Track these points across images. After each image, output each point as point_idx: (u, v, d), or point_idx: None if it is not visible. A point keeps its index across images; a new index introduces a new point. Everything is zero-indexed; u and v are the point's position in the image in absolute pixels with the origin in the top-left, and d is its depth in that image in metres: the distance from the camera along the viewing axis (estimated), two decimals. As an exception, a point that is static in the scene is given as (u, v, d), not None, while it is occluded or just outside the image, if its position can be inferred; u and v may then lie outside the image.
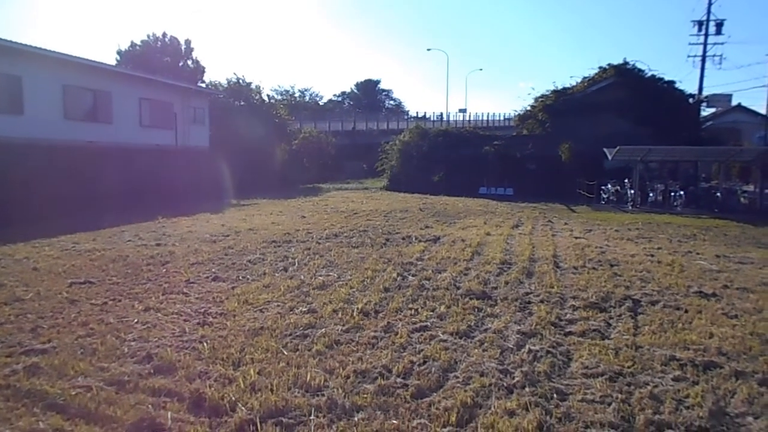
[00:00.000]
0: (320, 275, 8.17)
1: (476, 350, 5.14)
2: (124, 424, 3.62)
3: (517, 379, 4.48)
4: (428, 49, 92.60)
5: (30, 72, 16.55)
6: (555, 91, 28.85)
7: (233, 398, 4.01)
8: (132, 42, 42.24)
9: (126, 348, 5.05)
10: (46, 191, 14.59)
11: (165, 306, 6.49)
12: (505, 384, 4.39)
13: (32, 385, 4.19)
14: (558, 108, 27.79)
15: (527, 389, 4.29)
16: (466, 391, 4.24)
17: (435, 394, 4.25)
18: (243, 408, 3.86)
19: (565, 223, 15.17)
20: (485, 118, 65.63)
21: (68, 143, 17.08)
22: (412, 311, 6.38)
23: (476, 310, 6.47)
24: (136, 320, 5.91)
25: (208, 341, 5.25)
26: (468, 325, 5.89)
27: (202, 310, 6.31)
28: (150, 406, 3.87)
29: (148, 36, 42.66)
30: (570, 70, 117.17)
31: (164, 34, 43.05)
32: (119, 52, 41.61)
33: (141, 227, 13.12)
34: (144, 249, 10.21)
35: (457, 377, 4.53)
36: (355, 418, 3.80)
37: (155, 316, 6.10)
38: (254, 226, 13.44)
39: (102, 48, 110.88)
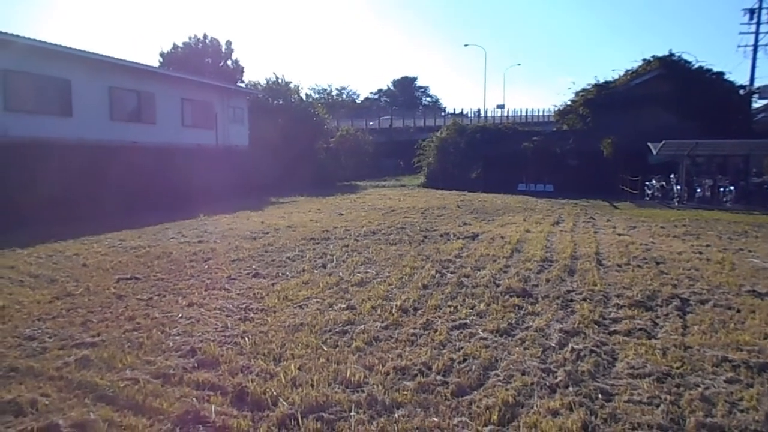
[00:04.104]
0: (359, 272, 8.19)
1: (517, 348, 5.06)
2: (170, 417, 3.70)
3: (560, 378, 4.38)
4: (465, 45, 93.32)
5: (78, 75, 17.14)
6: (596, 85, 28.15)
7: (275, 393, 4.05)
8: (174, 44, 43.28)
9: (171, 342, 5.17)
10: (93, 190, 15.11)
11: (208, 301, 6.62)
12: (547, 383, 4.31)
13: (83, 377, 4.33)
14: (600, 102, 27.11)
15: (571, 389, 4.19)
16: (507, 389, 4.17)
17: (476, 392, 4.20)
18: (284, 403, 3.90)
19: (608, 220, 14.80)
20: (524, 113, 64.62)
21: (114, 144, 17.64)
22: (451, 308, 6.33)
23: (516, 307, 6.37)
24: (180, 315, 6.05)
25: (250, 336, 5.33)
26: (508, 322, 5.80)
27: (244, 306, 6.41)
28: (194, 399, 3.95)
29: (190, 38, 43.63)
30: (611, 63, 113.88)
31: (205, 36, 43.96)
32: (162, 54, 42.70)
33: (183, 225, 13.44)
34: (187, 246, 10.45)
35: (498, 375, 4.46)
36: (396, 415, 3.79)
37: (198, 311, 6.23)
38: (293, 224, 13.59)
39: (146, 50, 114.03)
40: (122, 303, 6.58)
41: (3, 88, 14.80)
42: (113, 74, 18.60)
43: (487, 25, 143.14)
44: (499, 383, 4.31)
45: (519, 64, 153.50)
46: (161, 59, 42.22)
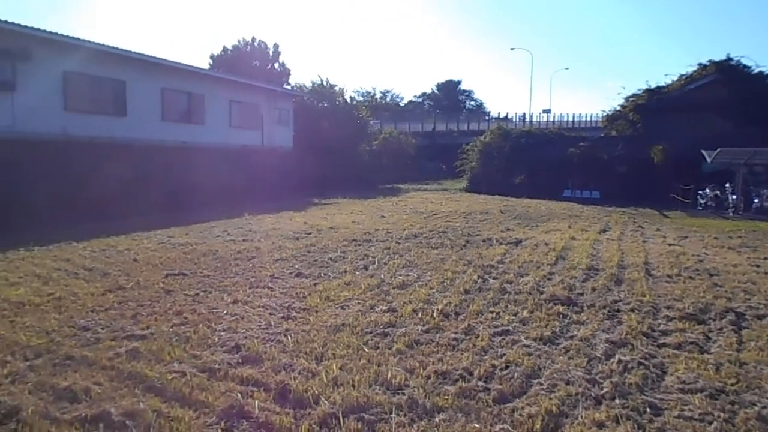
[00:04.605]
0: (400, 275, 8.19)
1: (561, 357, 4.95)
2: (215, 410, 3.78)
3: (606, 389, 4.27)
4: (512, 49, 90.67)
5: (133, 76, 17.77)
6: (648, 90, 27.31)
7: (316, 391, 4.09)
8: (224, 47, 44.43)
9: (216, 337, 5.29)
10: (144, 188, 15.61)
11: (252, 299, 6.75)
12: (593, 394, 4.20)
13: (133, 368, 4.48)
14: (651, 108, 26.28)
15: (617, 401, 4.08)
16: (551, 398, 4.09)
17: (518, 399, 4.13)
18: (326, 402, 3.93)
19: (658, 229, 14.32)
20: (570, 118, 63.33)
21: (164, 143, 18.21)
22: (494, 314, 6.26)
23: (561, 316, 6.24)
24: (225, 311, 6.18)
25: (292, 335, 5.40)
26: (552, 331, 5.68)
27: (286, 305, 6.50)
28: (239, 394, 4.03)
29: (239, 41, 44.72)
30: (663, 68, 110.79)
31: (254, 39, 44.95)
32: (212, 57, 43.89)
33: (229, 223, 13.74)
34: (232, 244, 10.68)
35: (542, 384, 4.38)
36: (436, 419, 3.77)
37: (243, 308, 6.36)
38: (335, 225, 13.71)
39: (197, 53, 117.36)
40: (170, 298, 6.77)
41: (63, 90, 15.51)
42: (165, 76, 19.20)
43: (534, 29, 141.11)
44: (543, 392, 4.23)
45: (567, 68, 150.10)
46: (211, 61, 43.41)
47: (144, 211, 14.59)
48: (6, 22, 13.73)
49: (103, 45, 16.53)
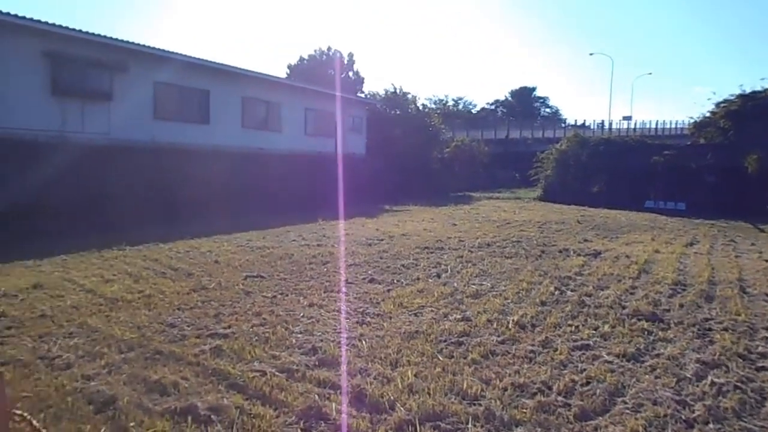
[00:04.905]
0: (473, 284, 8.09)
1: (647, 376, 4.70)
2: (294, 410, 3.87)
3: (698, 413, 4.01)
4: (591, 54, 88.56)
5: (216, 86, 18.69)
6: (742, 96, 25.59)
7: (392, 397, 4.10)
8: (300, 56, 45.85)
9: (294, 339, 5.42)
10: (224, 193, 16.33)
11: (326, 303, 6.87)
12: (683, 416, 3.95)
13: (217, 365, 4.67)
14: (745, 114, 24.59)
15: (711, 425, 3.82)
16: (636, 418, 3.89)
17: (601, 417, 3.96)
18: (402, 408, 3.93)
19: (752, 244, 13.34)
20: (653, 125, 60.42)
21: (243, 150, 18.97)
22: (572, 328, 6.04)
23: (645, 332, 5.92)
24: (301, 314, 6.33)
25: (367, 340, 5.45)
26: (636, 347, 5.41)
27: (360, 310, 6.57)
28: (316, 395, 4.10)
29: (315, 51, 46.00)
30: (759, 72, 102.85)
31: (329, 48, 46.10)
32: (289, 66, 45.41)
33: (303, 228, 14.09)
34: (307, 249, 10.94)
35: (626, 403, 4.18)
36: (514, 433, 3.68)
37: (318, 311, 6.48)
38: (407, 232, 13.74)
39: (274, 63, 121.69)
40: (249, 299, 7.02)
41: (154, 99, 16.53)
42: (246, 85, 20.04)
43: (614, 33, 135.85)
44: (627, 411, 4.03)
45: (650, 73, 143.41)
46: (288, 71, 44.87)
47: (223, 214, 15.23)
48: (106, 37, 14.83)
49: (191, 57, 17.49)
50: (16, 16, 12.79)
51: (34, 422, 2.32)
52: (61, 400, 3.93)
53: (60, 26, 13.71)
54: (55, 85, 13.90)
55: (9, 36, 12.90)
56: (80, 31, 14.23)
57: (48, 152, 12.64)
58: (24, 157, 12.19)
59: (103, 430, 3.48)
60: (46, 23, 13.42)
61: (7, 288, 7.13)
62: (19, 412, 2.31)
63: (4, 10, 12.59)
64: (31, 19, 13.12)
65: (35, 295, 6.86)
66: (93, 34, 14.51)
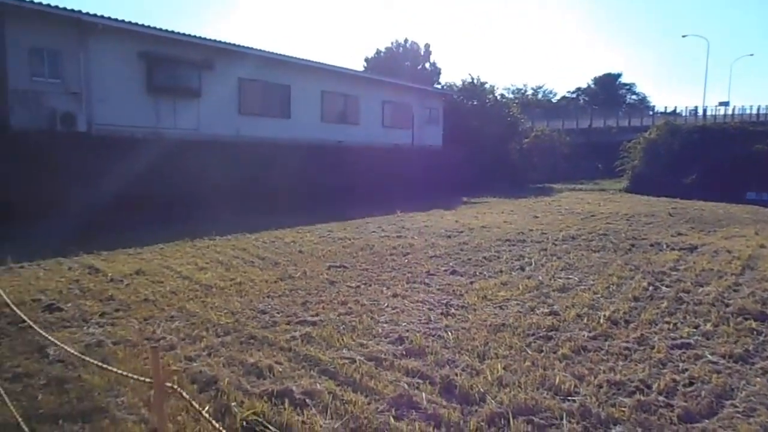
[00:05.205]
0: (559, 277, 7.84)
1: (759, 379, 4.37)
2: (385, 398, 3.92)
3: (820, 421, 3.68)
4: (683, 36, 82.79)
5: (297, 81, 19.17)
6: None
7: (482, 389, 4.05)
8: (377, 49, 46.09)
9: (380, 329, 5.49)
10: (306, 184, 16.78)
11: (410, 294, 6.90)
12: (803, 424, 3.65)
13: (307, 351, 4.81)
14: None
15: (836, 436, 3.50)
16: (749, 423, 3.64)
17: (707, 420, 3.73)
18: (492, 401, 3.88)
19: None
20: (754, 111, 55.80)
21: (323, 143, 19.39)
22: (670, 325, 5.72)
23: (753, 332, 5.52)
24: (386, 304, 6.39)
25: (452, 331, 5.42)
26: (744, 348, 5.05)
27: (444, 301, 6.54)
28: (405, 384, 4.13)
29: (392, 43, 46.06)
30: None
31: (406, 40, 46.02)
32: (366, 59, 45.78)
33: (383, 220, 14.21)
34: (387, 240, 11.03)
35: (736, 406, 3.91)
36: (613, 431, 3.53)
37: (402, 302, 6.52)
38: (487, 224, 13.53)
39: (352, 55, 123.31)
40: (334, 288, 7.17)
41: (238, 95, 17.19)
42: (325, 79, 20.41)
43: (710, 12, 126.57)
44: (738, 415, 3.77)
45: (751, 54, 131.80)
46: (365, 64, 45.26)
47: (305, 205, 15.64)
48: (194, 36, 15.57)
49: (272, 53, 18.03)
50: (115, 20, 13.69)
51: (184, 394, 2.50)
52: (167, 379, 4.17)
53: (153, 27, 14.55)
54: (149, 83, 14.78)
55: (109, 39, 13.83)
56: (171, 31, 15.04)
57: (144, 147, 13.48)
58: (124, 152, 13.07)
59: (207, 407, 3.67)
60: (142, 25, 14.28)
61: (114, 273, 7.69)
62: (169, 384, 2.50)
63: (105, 15, 13.52)
64: (129, 22, 14.00)
65: (138, 281, 7.35)
66: (182, 33, 15.28)
